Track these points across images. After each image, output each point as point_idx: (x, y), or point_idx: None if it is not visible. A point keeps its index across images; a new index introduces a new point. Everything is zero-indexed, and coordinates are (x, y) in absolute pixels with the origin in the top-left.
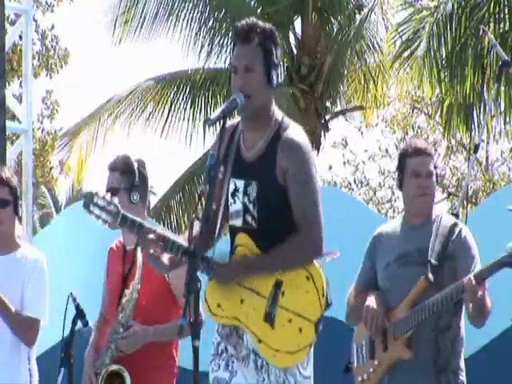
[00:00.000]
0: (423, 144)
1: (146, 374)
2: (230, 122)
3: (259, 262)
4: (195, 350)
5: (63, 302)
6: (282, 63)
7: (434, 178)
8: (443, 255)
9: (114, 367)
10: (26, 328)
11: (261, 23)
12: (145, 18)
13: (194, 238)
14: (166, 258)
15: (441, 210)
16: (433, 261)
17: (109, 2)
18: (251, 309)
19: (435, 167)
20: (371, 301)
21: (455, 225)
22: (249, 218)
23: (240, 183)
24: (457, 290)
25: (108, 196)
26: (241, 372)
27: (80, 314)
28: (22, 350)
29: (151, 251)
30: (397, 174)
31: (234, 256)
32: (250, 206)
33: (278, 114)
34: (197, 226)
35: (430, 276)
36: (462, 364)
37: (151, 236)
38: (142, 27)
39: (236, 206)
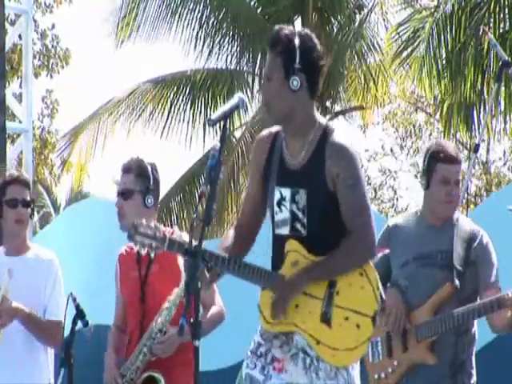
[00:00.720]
0: (455, 150)
1: (176, 372)
2: (268, 130)
3: (317, 272)
4: (195, 350)
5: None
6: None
7: (461, 185)
8: (466, 261)
9: (154, 374)
10: (52, 333)
11: (288, 29)
12: (146, 19)
13: (227, 248)
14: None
15: (457, 212)
16: (458, 266)
17: (110, 4)
18: (307, 312)
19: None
20: (395, 298)
21: (476, 230)
22: (298, 226)
23: (286, 191)
24: (491, 304)
25: (152, 223)
26: (276, 376)
27: (80, 314)
28: (42, 351)
29: (207, 275)
30: (424, 174)
31: (285, 272)
32: (299, 214)
33: (320, 118)
34: (229, 237)
35: (457, 282)
36: (474, 363)
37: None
38: (143, 28)
39: (283, 214)
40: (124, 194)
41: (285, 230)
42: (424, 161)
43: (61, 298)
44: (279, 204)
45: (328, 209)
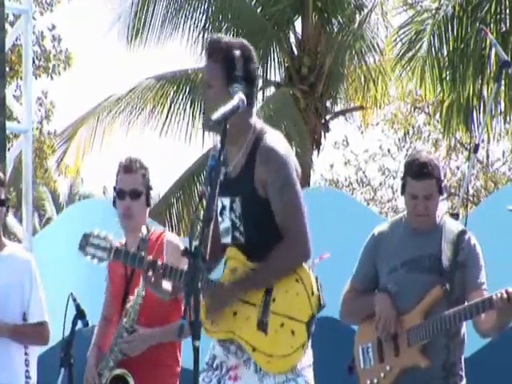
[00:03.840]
0: (426, 166)
1: (147, 371)
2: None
3: (251, 280)
4: (195, 350)
5: (63, 302)
6: (282, 63)
7: (436, 198)
8: (455, 263)
9: (119, 371)
10: (38, 335)
11: (227, 38)
12: (150, 20)
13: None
14: (166, 284)
15: (442, 213)
16: (447, 269)
17: (121, 5)
18: (244, 319)
19: (440, 183)
20: (384, 303)
21: (463, 232)
22: (237, 234)
23: (226, 200)
24: (483, 305)
25: (102, 233)
26: None
27: (80, 314)
28: (17, 354)
29: (151, 280)
30: (401, 179)
31: (224, 279)
32: (237, 222)
33: (256, 122)
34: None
35: (447, 285)
36: (463, 366)
37: (148, 268)
38: (150, 29)
39: (225, 223)
40: (132, 195)
41: (228, 239)
42: (403, 170)
43: (42, 298)
44: (221, 213)
45: (262, 216)
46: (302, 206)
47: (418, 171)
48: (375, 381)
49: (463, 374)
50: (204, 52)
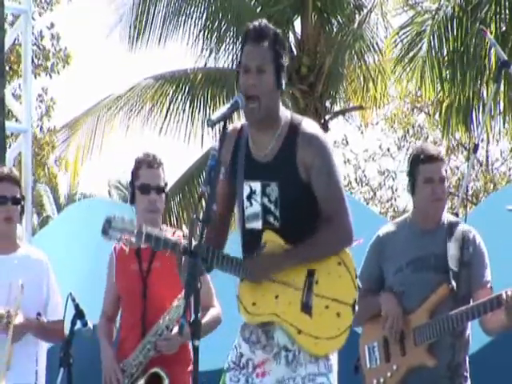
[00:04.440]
0: (435, 150)
1: (178, 369)
2: (232, 126)
3: (292, 255)
4: (195, 350)
5: (62, 302)
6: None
7: (446, 183)
8: (461, 262)
9: (161, 372)
10: (57, 333)
11: (271, 26)
12: (150, 19)
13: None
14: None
15: (446, 213)
16: (453, 267)
17: (115, 6)
18: (287, 303)
19: (446, 171)
20: (390, 303)
21: (468, 231)
22: (270, 219)
23: (256, 185)
24: (491, 303)
25: (126, 216)
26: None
27: (79, 314)
28: (31, 352)
29: (184, 264)
30: (408, 179)
31: (262, 252)
32: (271, 207)
33: (285, 111)
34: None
35: (453, 283)
36: (468, 367)
37: (180, 250)
38: (152, 29)
39: (253, 208)
40: (157, 189)
41: (257, 224)
42: (408, 167)
43: (58, 296)
44: (249, 198)
45: (301, 199)
46: (345, 195)
47: (432, 155)
48: (382, 380)
49: (468, 374)
50: (250, 35)
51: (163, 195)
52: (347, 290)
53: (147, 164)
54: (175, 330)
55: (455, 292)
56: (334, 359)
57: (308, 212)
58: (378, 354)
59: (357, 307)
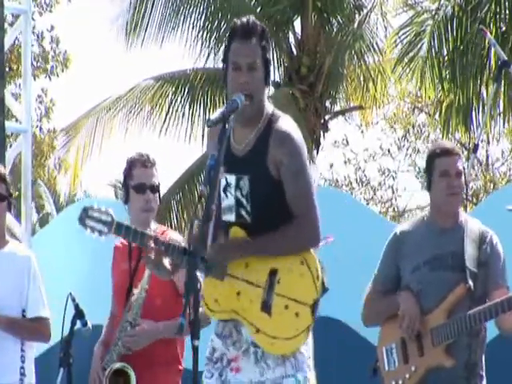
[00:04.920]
0: (451, 144)
1: (149, 369)
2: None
3: (252, 244)
4: (195, 350)
5: (62, 302)
6: (282, 63)
7: (463, 178)
8: (478, 262)
9: (118, 365)
10: (38, 330)
11: (257, 21)
12: (152, 20)
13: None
14: (166, 262)
15: (464, 213)
16: (471, 267)
17: (118, 6)
18: (248, 300)
19: (463, 168)
20: (408, 302)
21: (486, 231)
22: (243, 213)
23: (231, 178)
24: (508, 303)
25: (102, 207)
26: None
27: (79, 313)
28: (12, 350)
29: (152, 257)
30: (425, 175)
31: (225, 240)
32: (244, 201)
33: (268, 107)
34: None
35: (470, 283)
36: (484, 366)
37: (150, 243)
38: (148, 29)
39: (228, 200)
40: (152, 188)
41: (231, 217)
42: (425, 165)
43: (40, 294)
44: (225, 190)
45: (271, 196)
46: (314, 194)
47: (448, 148)
48: (400, 382)
49: (483, 373)
50: (240, 31)
51: (157, 195)
52: (307, 290)
53: (141, 163)
54: (144, 325)
55: (472, 292)
56: (306, 354)
57: (279, 209)
58: (396, 355)
59: (317, 310)
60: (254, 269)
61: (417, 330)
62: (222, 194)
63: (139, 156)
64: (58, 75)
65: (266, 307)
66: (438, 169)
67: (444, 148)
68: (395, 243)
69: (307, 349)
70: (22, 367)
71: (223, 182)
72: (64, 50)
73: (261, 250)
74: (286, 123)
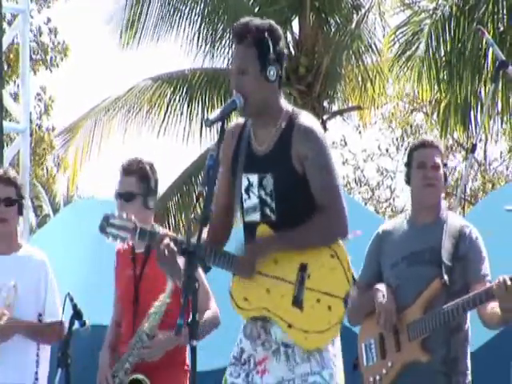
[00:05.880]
0: (431, 138)
1: (163, 373)
2: (235, 122)
3: (280, 239)
4: (193, 350)
5: (60, 303)
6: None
7: (442, 172)
8: (455, 256)
9: (139, 376)
10: (54, 334)
11: (256, 21)
12: (148, 18)
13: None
14: (180, 263)
15: (446, 209)
16: (446, 261)
17: (114, 4)
18: (278, 296)
19: (445, 164)
20: (384, 297)
21: (465, 226)
22: (267, 211)
23: (253, 177)
24: (480, 296)
25: (124, 214)
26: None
27: (77, 314)
28: (29, 353)
29: (166, 255)
30: (405, 169)
31: (250, 243)
32: (268, 199)
33: (286, 105)
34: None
35: (446, 277)
36: (469, 364)
37: (167, 241)
38: (145, 28)
39: (251, 201)
40: (125, 197)
41: (255, 217)
42: (406, 158)
43: (57, 298)
44: (247, 191)
45: (296, 192)
46: (340, 186)
47: (426, 141)
48: (378, 377)
49: (468, 372)
50: (234, 36)
51: (135, 202)
52: (339, 282)
53: (120, 171)
54: (160, 336)
55: (449, 286)
56: (333, 351)
57: (304, 206)
58: (375, 351)
59: (349, 301)
60: (283, 265)
61: (393, 325)
62: (244, 195)
63: (123, 163)
64: (57, 66)
65: (298, 302)
66: (415, 160)
67: (422, 141)
68: (377, 242)
69: (336, 347)
70: (36, 372)
71: (245, 183)
72: (62, 40)
73: (291, 244)
74: (308, 118)
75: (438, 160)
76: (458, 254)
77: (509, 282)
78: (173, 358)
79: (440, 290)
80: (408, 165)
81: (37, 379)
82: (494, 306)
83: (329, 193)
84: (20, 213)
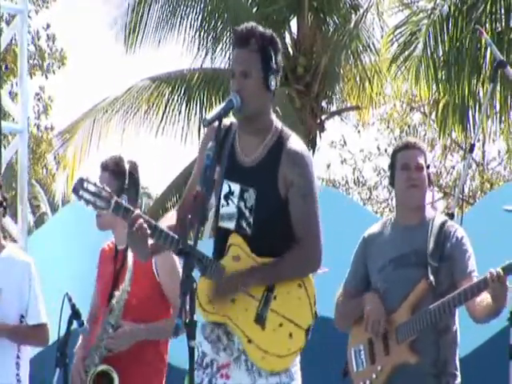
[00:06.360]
0: (414, 139)
1: (133, 370)
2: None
3: (262, 274)
4: (191, 351)
5: (59, 302)
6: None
7: (425, 173)
8: (441, 256)
9: (103, 367)
10: (37, 337)
11: (260, 28)
12: (149, 21)
13: (170, 228)
14: (148, 243)
15: (434, 212)
16: (432, 262)
17: (117, 8)
18: (243, 309)
19: (428, 166)
20: (372, 302)
21: (451, 226)
22: (243, 224)
23: (235, 187)
24: (477, 287)
25: (100, 184)
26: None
27: (75, 314)
28: (9, 355)
29: (138, 235)
30: (389, 171)
31: (227, 264)
32: (246, 212)
33: (276, 121)
34: (170, 219)
35: (431, 278)
36: (458, 366)
37: (141, 221)
38: (146, 30)
39: (229, 208)
40: None
41: (230, 225)
42: (390, 160)
43: (41, 299)
44: (226, 197)
45: (275, 212)
46: (320, 215)
47: (409, 142)
48: (368, 382)
49: (458, 372)
50: (236, 40)
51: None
52: (304, 314)
53: (99, 167)
54: (125, 327)
55: (435, 287)
56: (296, 365)
57: (281, 226)
58: (364, 356)
59: (309, 335)
60: None
61: (382, 329)
62: (223, 201)
63: (103, 159)
64: (54, 72)
65: (260, 320)
66: (398, 162)
67: (405, 142)
68: (363, 246)
69: (297, 374)
70: (18, 374)
71: (225, 189)
72: (60, 48)
73: (266, 280)
74: (298, 143)
75: (422, 161)
76: (444, 255)
77: (501, 272)
78: (144, 356)
79: (426, 291)
80: (392, 166)
81: (19, 381)
82: (482, 300)
83: (308, 223)
84: (3, 214)
